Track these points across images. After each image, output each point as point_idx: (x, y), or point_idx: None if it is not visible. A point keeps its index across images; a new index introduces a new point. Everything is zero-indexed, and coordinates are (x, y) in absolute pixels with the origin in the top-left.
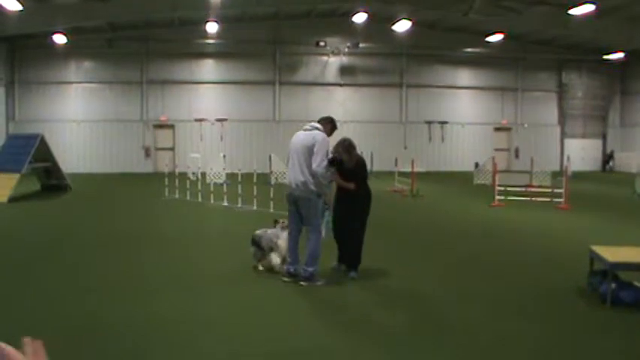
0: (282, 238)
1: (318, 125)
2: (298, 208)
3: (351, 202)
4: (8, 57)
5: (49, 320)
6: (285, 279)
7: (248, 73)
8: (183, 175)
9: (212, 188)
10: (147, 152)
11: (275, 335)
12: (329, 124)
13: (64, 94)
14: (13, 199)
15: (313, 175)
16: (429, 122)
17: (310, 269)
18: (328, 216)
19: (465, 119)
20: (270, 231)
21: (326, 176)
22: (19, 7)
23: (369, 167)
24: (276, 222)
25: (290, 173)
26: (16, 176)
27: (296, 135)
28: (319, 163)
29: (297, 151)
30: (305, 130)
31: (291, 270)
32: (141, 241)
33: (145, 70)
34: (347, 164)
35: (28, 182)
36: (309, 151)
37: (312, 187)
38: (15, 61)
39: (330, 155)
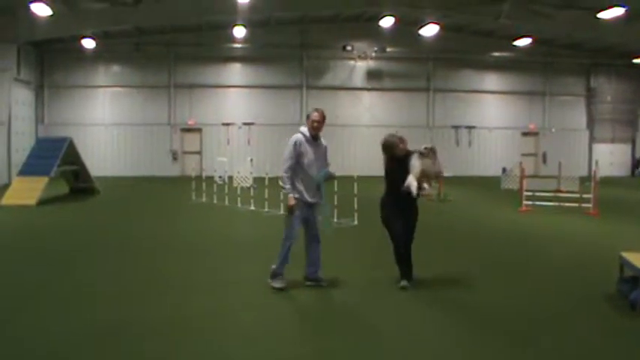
0: (415, 159)
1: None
2: (310, 214)
3: (409, 210)
4: (38, 61)
5: (71, 323)
6: (308, 283)
7: (275, 78)
8: (210, 179)
9: (239, 192)
10: (174, 156)
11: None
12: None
13: (93, 98)
14: (41, 202)
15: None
16: (456, 127)
17: (319, 271)
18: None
19: (492, 124)
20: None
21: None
22: (49, 11)
23: None
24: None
25: (311, 181)
26: (45, 179)
27: (310, 143)
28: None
29: (319, 160)
30: (311, 135)
31: (314, 274)
32: (167, 246)
33: (173, 74)
34: (398, 153)
35: (56, 185)
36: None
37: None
38: (44, 66)
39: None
